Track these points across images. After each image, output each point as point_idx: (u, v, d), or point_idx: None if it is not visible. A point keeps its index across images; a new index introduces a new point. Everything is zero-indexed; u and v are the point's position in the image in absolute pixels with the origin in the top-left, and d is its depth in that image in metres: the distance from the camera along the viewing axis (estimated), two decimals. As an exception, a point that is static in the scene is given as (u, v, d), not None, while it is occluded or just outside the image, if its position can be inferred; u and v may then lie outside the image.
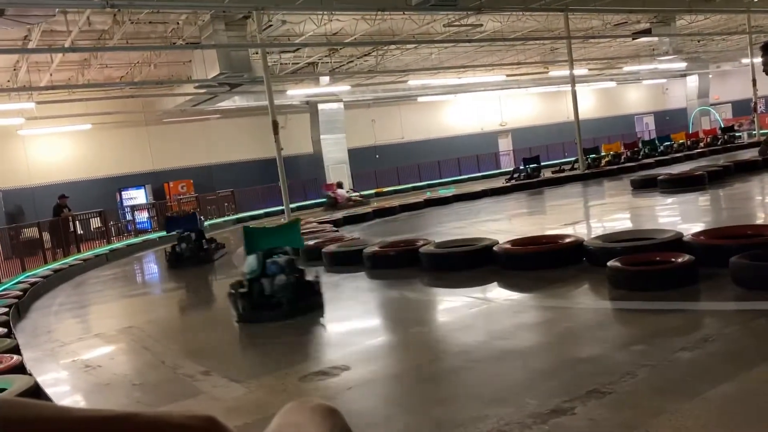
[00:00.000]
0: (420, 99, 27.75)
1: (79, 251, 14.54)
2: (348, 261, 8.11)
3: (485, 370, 3.78)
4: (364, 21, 15.91)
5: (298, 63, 20.06)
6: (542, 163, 21.63)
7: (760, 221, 7.78)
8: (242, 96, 20.99)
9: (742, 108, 31.74)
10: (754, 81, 22.14)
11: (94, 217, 17.23)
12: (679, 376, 3.28)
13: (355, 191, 21.98)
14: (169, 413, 0.65)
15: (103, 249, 14.65)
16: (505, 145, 31.66)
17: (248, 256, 6.11)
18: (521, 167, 20.69)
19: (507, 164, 28.74)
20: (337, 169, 24.08)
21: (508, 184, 18.16)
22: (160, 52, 16.80)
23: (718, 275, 4.92)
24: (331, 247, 8.67)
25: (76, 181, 21.08)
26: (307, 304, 5.92)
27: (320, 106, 23.67)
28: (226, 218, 20.23)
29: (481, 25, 17.84)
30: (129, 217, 20.09)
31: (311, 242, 9.41)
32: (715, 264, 5.04)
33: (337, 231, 11.38)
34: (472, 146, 29.16)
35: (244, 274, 6.11)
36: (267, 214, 19.54)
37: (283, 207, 14.29)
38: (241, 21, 14.35)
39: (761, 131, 23.43)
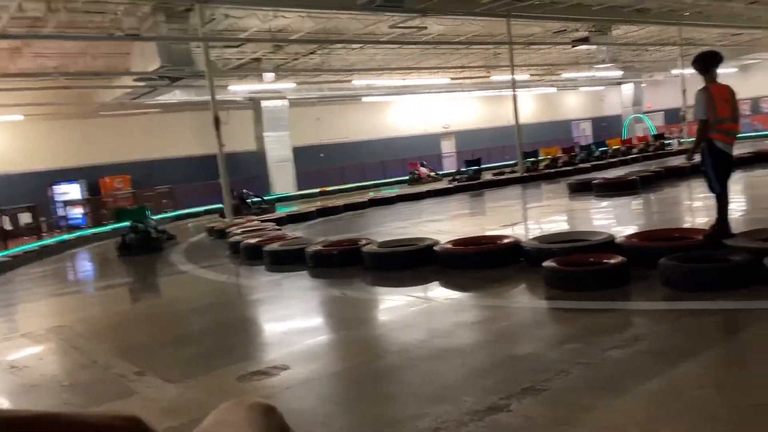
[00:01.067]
0: (365, 99, 27.78)
1: (6, 248, 13.88)
2: (290, 260, 8.03)
3: (425, 369, 3.81)
4: (310, 19, 15.80)
5: (241, 59, 19.74)
6: (484, 166, 22.03)
7: (687, 225, 8.13)
8: (183, 90, 20.49)
9: (673, 116, 33.13)
10: (683, 91, 23.15)
11: (23, 212, 16.48)
12: (610, 373, 3.40)
13: (432, 170, 24.87)
14: (94, 413, 0.63)
15: (34, 245, 14.03)
16: (448, 147, 32.07)
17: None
18: (463, 169, 21.02)
19: (450, 166, 29.13)
20: (280, 167, 23.83)
21: (451, 186, 18.40)
22: (97, 43, 16.21)
23: (649, 276, 5.12)
24: (273, 246, 8.57)
25: (5, 175, 20.12)
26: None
27: (264, 103, 23.37)
28: (164, 215, 19.70)
29: (426, 27, 18.01)
30: (62, 212, 19.33)
31: (252, 240, 9.29)
32: (646, 265, 5.24)
33: (279, 230, 11.26)
34: (416, 147, 29.37)
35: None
36: (207, 212, 19.13)
37: (224, 204, 14.03)
38: (183, 13, 14.00)
39: (689, 139, 24.52)
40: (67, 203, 19.89)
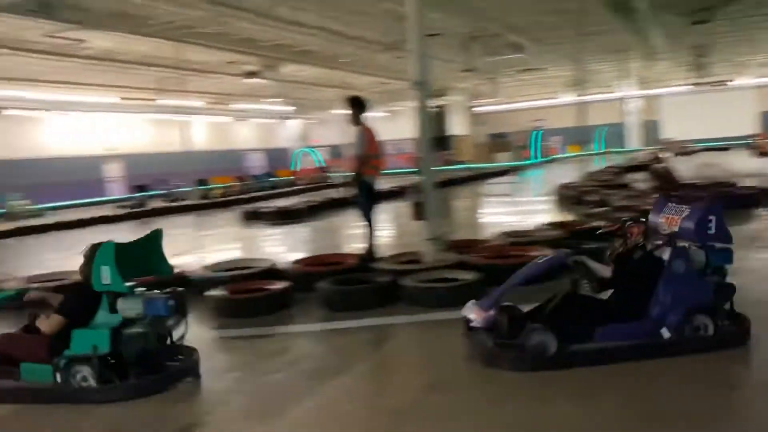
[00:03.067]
0: (7, 112, 24.17)
1: None
2: None
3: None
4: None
5: None
6: (156, 192, 21.09)
7: (345, 250, 8.92)
8: None
9: (337, 152, 36.38)
10: (342, 130, 25.60)
11: None
12: (270, 398, 3.50)
13: None
14: None
15: None
16: (114, 170, 29.83)
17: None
18: (134, 195, 19.80)
19: (117, 192, 27.12)
20: None
21: (121, 213, 17.15)
22: None
23: (311, 299, 5.46)
24: None
25: None
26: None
27: None
28: None
29: (85, 41, 16.59)
30: None
31: None
32: (308, 289, 5.58)
33: None
34: (74, 170, 26.56)
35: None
36: None
37: None
38: None
39: (348, 173, 27.18)
40: None
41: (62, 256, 10.23)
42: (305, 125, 37.73)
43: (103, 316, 3.61)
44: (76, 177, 25.95)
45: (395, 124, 36.80)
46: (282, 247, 10.58)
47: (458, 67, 23.77)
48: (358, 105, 6.45)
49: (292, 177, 26.63)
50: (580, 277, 3.96)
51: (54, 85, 21.98)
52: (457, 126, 36.11)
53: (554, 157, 35.26)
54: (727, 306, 3.81)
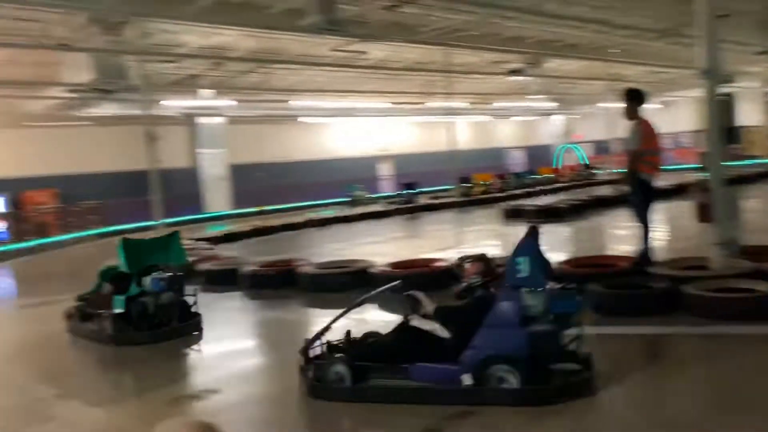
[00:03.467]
0: (305, 120, 27.75)
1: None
2: (224, 280, 7.88)
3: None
4: (251, 37, 15.71)
5: (178, 74, 19.39)
6: (420, 189, 22.34)
7: (614, 252, 8.45)
8: (116, 104, 19.92)
9: (601, 148, 34.58)
10: (611, 124, 24.26)
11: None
12: (540, 395, 3.47)
13: None
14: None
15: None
16: (386, 170, 32.34)
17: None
18: (401, 192, 21.24)
19: (387, 189, 29.38)
20: (215, 185, 23.42)
21: (390, 209, 18.53)
22: (25, 52, 15.56)
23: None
24: (206, 266, 8.39)
25: None
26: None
27: (200, 120, 22.97)
28: (89, 232, 18.96)
29: (366, 52, 18.22)
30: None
31: (185, 260, 9.06)
32: (576, 291, 5.41)
33: (212, 249, 11.03)
34: (354, 169, 29.48)
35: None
36: (137, 229, 18.53)
37: (155, 222, 13.65)
38: (118, 26, 13.68)
39: (617, 170, 25.68)
40: (-15, 217, 18.87)
41: (341, 246, 11.42)
42: (568, 121, 36.54)
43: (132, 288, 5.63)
44: (355, 175, 28.76)
45: (670, 116, 33.73)
46: (543, 246, 10.40)
47: (751, 50, 20.85)
48: (635, 97, 6.06)
49: (553, 174, 26.00)
50: (408, 309, 3.78)
51: (337, 94, 24.55)
52: (748, 116, 31.76)
53: None
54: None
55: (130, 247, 6.06)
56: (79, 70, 14.26)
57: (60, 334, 6.37)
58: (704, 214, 5.48)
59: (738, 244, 5.59)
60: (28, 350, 5.95)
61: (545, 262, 3.66)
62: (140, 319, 5.54)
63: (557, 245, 10.25)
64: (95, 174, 22.66)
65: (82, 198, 21.09)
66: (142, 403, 3.89)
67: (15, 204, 20.60)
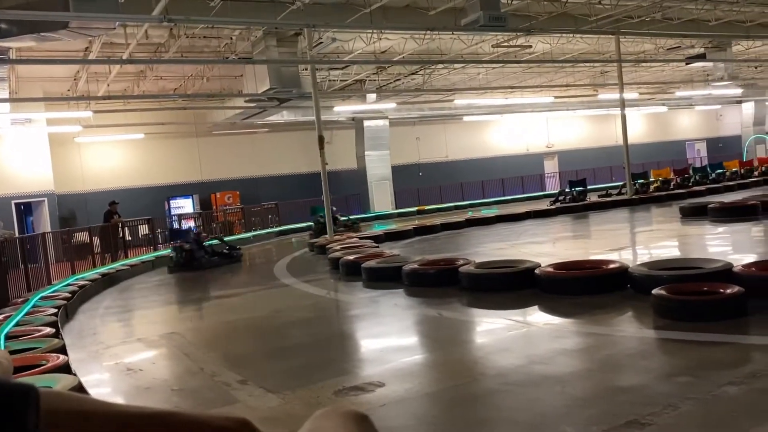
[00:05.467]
0: (465, 118, 27.73)
1: (126, 257, 14.94)
2: (387, 277, 8.11)
3: (522, 395, 3.72)
4: (412, 40, 16.05)
5: (346, 80, 20.33)
6: (589, 187, 21.31)
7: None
8: (290, 111, 21.36)
9: (800, 137, 30.68)
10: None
11: (142, 224, 17.68)
12: (724, 411, 3.17)
13: None
14: (207, 414, 0.68)
15: (150, 255, 15.01)
16: (550, 167, 31.31)
17: None
18: (567, 190, 20.42)
19: (552, 186, 28.38)
20: (380, 186, 24.21)
21: (553, 207, 17.91)
22: (212, 66, 17.27)
23: (770, 309, 4.75)
24: (371, 263, 8.69)
25: (127, 189, 21.72)
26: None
27: (366, 123, 23.89)
28: (269, 230, 20.51)
29: (531, 46, 17.77)
30: (176, 225, 20.56)
31: (351, 257, 9.47)
32: (766, 297, 4.86)
33: (377, 247, 11.41)
34: (516, 167, 28.93)
35: None
36: (310, 227, 19.71)
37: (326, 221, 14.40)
38: (293, 38, 14.65)
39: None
40: (181, 216, 21.15)
41: (504, 245, 11.24)
42: (758, 108, 32.77)
43: None
44: (519, 173, 28.24)
45: None
46: (728, 247, 9.45)
47: None
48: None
49: (742, 168, 23.46)
50: None
51: (501, 90, 24.23)
52: None
53: None
54: None
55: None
56: (259, 80, 15.46)
57: (243, 324, 6.97)
58: None
59: None
60: (215, 338, 6.57)
61: None
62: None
63: (746, 246, 9.27)
64: (273, 176, 24.48)
65: (261, 199, 22.91)
66: (311, 392, 4.12)
67: (204, 205, 22.87)
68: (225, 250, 13.78)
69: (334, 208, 17.59)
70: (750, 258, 6.89)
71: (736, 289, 4.97)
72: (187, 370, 5.18)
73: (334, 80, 19.93)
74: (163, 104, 20.17)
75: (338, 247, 11.09)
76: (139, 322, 8.20)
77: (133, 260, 14.15)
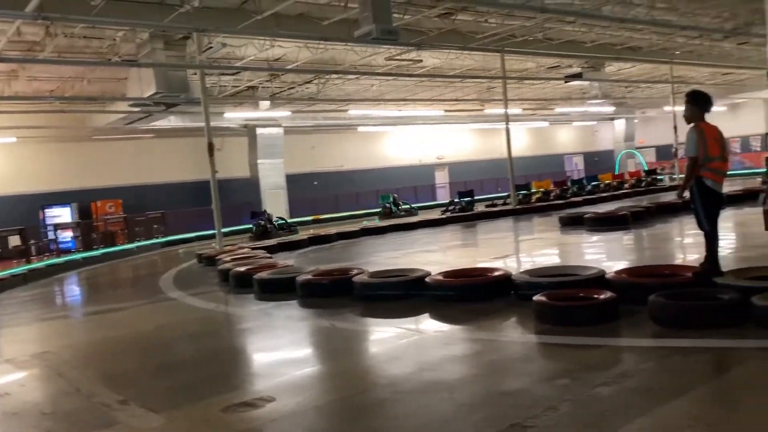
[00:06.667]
0: (360, 129, 28.00)
1: (-7, 270, 13.75)
2: (280, 289, 7.99)
3: (412, 402, 3.78)
4: (306, 49, 16.00)
5: (237, 86, 19.91)
6: (476, 197, 22.11)
7: (677, 261, 8.15)
8: (178, 116, 20.62)
9: (665, 153, 33.49)
10: (675, 128, 23.46)
11: (12, 235, 16.36)
12: (598, 410, 3.37)
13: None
14: None
15: (21, 269, 13.91)
16: (441, 177, 32.24)
17: None
18: (456, 200, 21.10)
19: (443, 197, 29.25)
20: (273, 195, 23.87)
21: (444, 216, 18.44)
22: (94, 68, 16.32)
23: (639, 312, 5.12)
24: (263, 274, 8.53)
25: (-4, 197, 20.04)
26: None
27: (259, 131, 23.51)
28: (154, 241, 19.63)
29: (422, 60, 18.25)
30: (52, 236, 19.20)
31: (242, 268, 9.25)
32: (635, 301, 5.24)
33: (270, 257, 11.22)
34: (409, 177, 29.54)
35: None
36: (198, 238, 19.07)
37: (215, 231, 13.99)
38: (181, 41, 14.16)
39: (680, 175, 24.76)
40: (57, 226, 19.77)
41: (397, 254, 11.41)
42: (628, 125, 35.51)
43: None
44: (410, 183, 28.79)
45: (736, 119, 32.39)
46: (603, 254, 10.13)
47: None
48: (694, 100, 5.81)
49: (614, 180, 25.30)
50: None
51: (393, 102, 24.67)
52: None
53: None
54: None
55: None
56: (144, 84, 14.80)
57: (124, 340, 6.61)
58: (774, 221, 5.20)
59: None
60: (93, 356, 6.18)
61: None
62: None
63: (618, 254, 9.97)
64: (159, 184, 23.48)
65: (146, 208, 21.89)
66: (198, 409, 3.97)
67: (83, 214, 21.53)
68: (285, 227, 18.44)
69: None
70: (621, 265, 7.41)
71: (609, 294, 5.33)
72: (61, 392, 4.83)
73: (225, 86, 19.46)
74: (39, 106, 18.80)
75: (228, 258, 10.80)
76: (7, 341, 7.56)
77: (1, 274, 13.02)
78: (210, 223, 15.58)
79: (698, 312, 4.73)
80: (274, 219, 18.69)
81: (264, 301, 7.86)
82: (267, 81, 19.92)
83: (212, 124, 13.96)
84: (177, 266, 13.19)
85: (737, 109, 33.34)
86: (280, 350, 5.63)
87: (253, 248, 12.82)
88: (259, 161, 23.77)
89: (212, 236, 15.68)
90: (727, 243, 8.87)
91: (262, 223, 18.08)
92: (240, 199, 23.62)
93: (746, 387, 3.72)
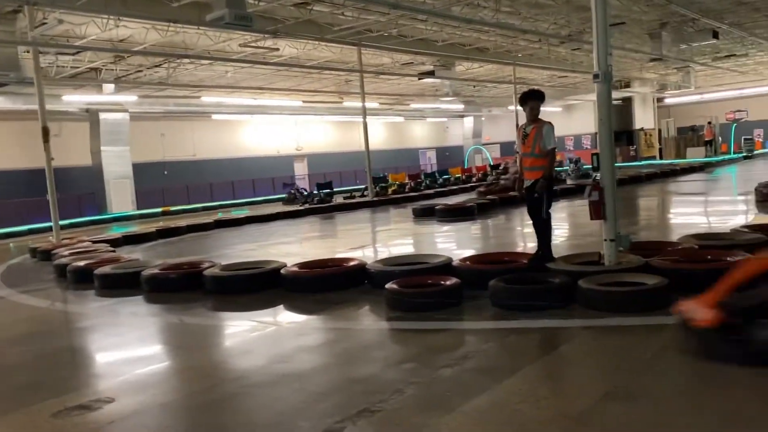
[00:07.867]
0: (214, 116, 27.04)
1: None
2: (124, 284, 7.53)
3: (262, 395, 3.73)
4: (155, 30, 15.12)
5: (78, 67, 18.40)
6: (335, 189, 22.26)
7: (519, 249, 8.76)
8: (8, 97, 18.70)
9: (508, 149, 35.77)
10: (517, 125, 25.11)
11: None
12: (441, 391, 3.54)
13: None
14: None
15: None
16: (300, 169, 32.06)
17: None
18: (315, 192, 21.10)
19: (302, 188, 29.06)
20: (119, 184, 22.42)
21: (302, 208, 18.36)
22: None
23: (480, 296, 5.44)
24: (105, 269, 7.99)
25: None
26: None
27: (102, 116, 21.93)
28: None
29: (278, 49, 17.98)
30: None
31: (81, 263, 8.60)
32: (479, 287, 5.55)
33: (113, 251, 10.53)
34: (267, 168, 29.04)
35: None
36: (31, 231, 17.45)
37: (52, 223, 12.86)
38: (10, 14, 12.84)
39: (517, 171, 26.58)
40: None
41: (253, 246, 11.21)
42: (476, 122, 37.55)
43: None
44: (270, 175, 28.31)
45: (570, 119, 35.38)
46: (452, 243, 10.64)
47: (645, 57, 22.20)
48: (543, 98, 6.30)
49: (463, 174, 26.66)
50: None
51: (249, 91, 24.09)
52: (643, 119, 33.81)
53: (759, 152, 31.64)
54: None
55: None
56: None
57: None
58: (597, 211, 5.74)
59: (629, 241, 5.91)
60: None
61: None
62: None
63: (465, 243, 10.51)
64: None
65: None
66: (24, 416, 3.63)
67: None
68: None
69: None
70: (468, 252, 7.83)
71: (454, 280, 5.61)
72: None
73: (63, 66, 17.90)
74: None
75: (66, 252, 9.99)
76: None
77: None
78: (46, 215, 14.29)
79: (532, 294, 5.11)
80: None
81: (106, 297, 7.37)
82: (111, 63, 18.59)
83: (48, 107, 12.80)
84: (5, 262, 11.98)
85: (571, 109, 36.41)
86: (123, 348, 5.30)
87: (95, 242, 11.96)
88: (102, 149, 22.17)
89: (48, 229, 14.39)
90: (560, 232, 9.70)
91: (293, 192, 22.09)
92: (81, 188, 21.93)
93: (572, 362, 4.10)
